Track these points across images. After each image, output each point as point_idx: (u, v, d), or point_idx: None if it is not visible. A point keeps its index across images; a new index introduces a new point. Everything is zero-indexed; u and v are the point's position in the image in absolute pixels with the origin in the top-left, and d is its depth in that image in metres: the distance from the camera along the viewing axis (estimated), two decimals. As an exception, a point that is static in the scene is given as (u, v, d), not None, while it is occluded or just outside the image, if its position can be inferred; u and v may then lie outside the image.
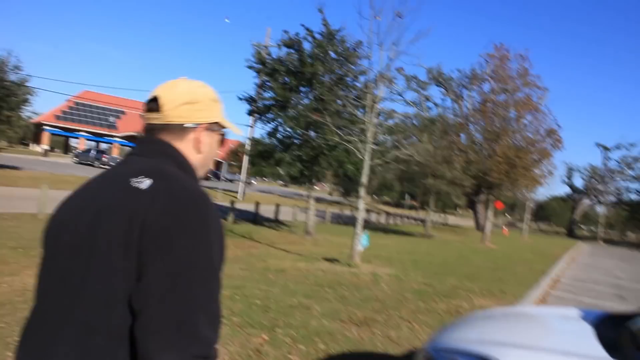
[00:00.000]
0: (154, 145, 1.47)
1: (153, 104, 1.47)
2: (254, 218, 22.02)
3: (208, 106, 1.52)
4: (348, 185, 52.74)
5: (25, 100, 26.87)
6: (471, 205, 44.33)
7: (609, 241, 71.04)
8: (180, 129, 1.47)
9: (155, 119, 1.47)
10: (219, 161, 72.88)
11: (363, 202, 12.43)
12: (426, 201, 35.81)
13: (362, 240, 12.10)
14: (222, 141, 1.62)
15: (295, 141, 18.72)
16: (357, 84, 18.54)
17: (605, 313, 3.51)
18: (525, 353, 2.90)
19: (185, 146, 1.49)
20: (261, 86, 19.59)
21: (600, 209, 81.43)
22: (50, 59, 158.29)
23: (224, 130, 1.60)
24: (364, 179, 12.22)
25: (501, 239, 35.95)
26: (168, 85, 1.50)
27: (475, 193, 37.28)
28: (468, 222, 61.09)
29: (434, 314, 7.75)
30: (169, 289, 1.21)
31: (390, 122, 18.42)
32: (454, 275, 12.60)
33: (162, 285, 1.21)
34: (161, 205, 1.27)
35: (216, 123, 1.55)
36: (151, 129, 1.48)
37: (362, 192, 12.34)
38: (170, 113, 1.45)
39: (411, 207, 74.63)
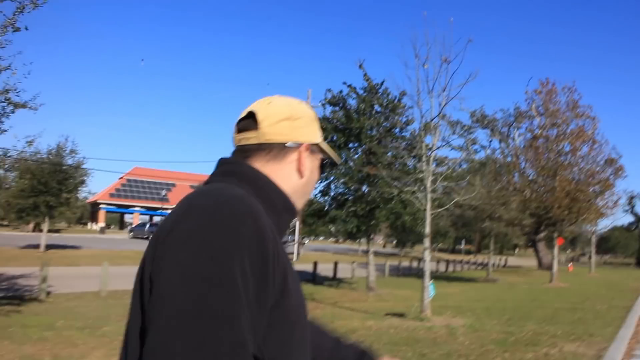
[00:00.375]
0: (224, 166, 1.23)
1: (248, 122, 1.25)
2: (313, 278, 21.69)
3: (309, 124, 1.31)
4: (402, 236, 51.93)
5: (82, 182, 27.84)
6: (532, 244, 42.98)
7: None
8: (279, 149, 1.24)
9: (251, 138, 1.24)
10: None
11: (428, 252, 12.07)
12: (486, 245, 34.85)
13: (429, 290, 11.73)
14: (323, 169, 1.38)
15: (349, 197, 18.53)
16: (406, 134, 18.41)
17: None
18: None
19: (284, 169, 1.25)
20: (308, 147, 19.60)
21: (670, 236, 77.95)
22: (99, 137, 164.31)
23: (323, 157, 1.37)
24: (427, 229, 11.90)
25: (568, 276, 34.40)
26: (264, 101, 1.28)
27: (535, 231, 36.15)
28: (528, 261, 59.18)
29: (522, 365, 7.28)
30: (158, 328, 0.89)
31: (442, 169, 18.13)
32: (531, 319, 12.01)
33: (151, 327, 0.91)
34: (172, 220, 1.03)
35: (317, 145, 1.33)
36: (243, 152, 1.24)
37: (426, 242, 12.00)
38: (269, 130, 1.23)
39: (468, 252, 72.97)
